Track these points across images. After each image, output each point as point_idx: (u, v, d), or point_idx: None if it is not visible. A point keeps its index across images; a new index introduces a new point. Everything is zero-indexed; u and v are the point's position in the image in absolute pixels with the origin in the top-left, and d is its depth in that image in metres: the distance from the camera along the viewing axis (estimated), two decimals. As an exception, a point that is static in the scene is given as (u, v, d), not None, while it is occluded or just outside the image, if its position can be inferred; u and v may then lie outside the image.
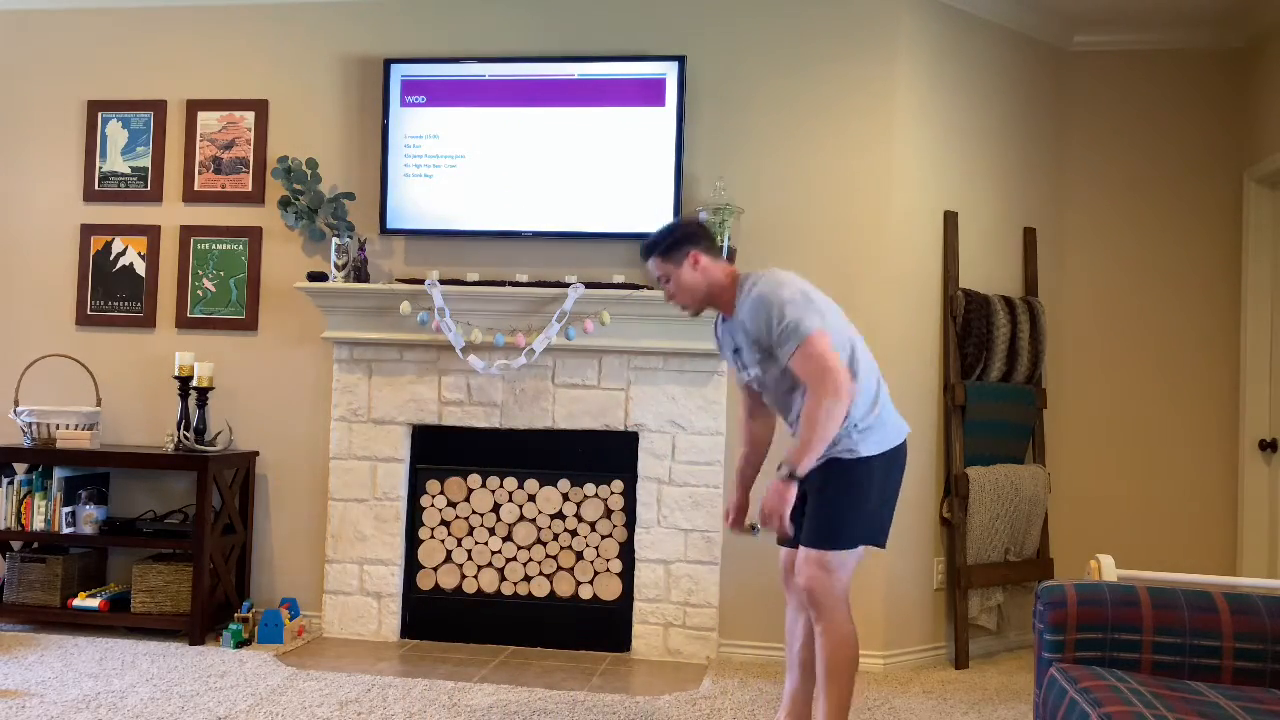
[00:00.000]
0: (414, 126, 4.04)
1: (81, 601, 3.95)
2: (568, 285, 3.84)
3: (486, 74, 4.00)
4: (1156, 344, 4.34)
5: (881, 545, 2.66)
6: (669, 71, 3.88)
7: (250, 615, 3.91)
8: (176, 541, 3.87)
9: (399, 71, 4.05)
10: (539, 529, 3.98)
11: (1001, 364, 4.03)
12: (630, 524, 3.93)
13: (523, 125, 3.98)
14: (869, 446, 2.57)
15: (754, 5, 3.97)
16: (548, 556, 3.97)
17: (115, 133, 4.36)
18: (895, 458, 2.63)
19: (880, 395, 2.63)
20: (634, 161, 3.90)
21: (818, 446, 2.46)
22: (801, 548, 2.61)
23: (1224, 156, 4.32)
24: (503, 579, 3.99)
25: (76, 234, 4.37)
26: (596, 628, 3.91)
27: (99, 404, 4.26)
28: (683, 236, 2.68)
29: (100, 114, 4.37)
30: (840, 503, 2.58)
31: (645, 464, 3.89)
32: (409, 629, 4.02)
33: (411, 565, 4.03)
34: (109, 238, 4.34)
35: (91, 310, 4.34)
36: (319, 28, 4.24)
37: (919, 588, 3.91)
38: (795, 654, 2.76)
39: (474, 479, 4.03)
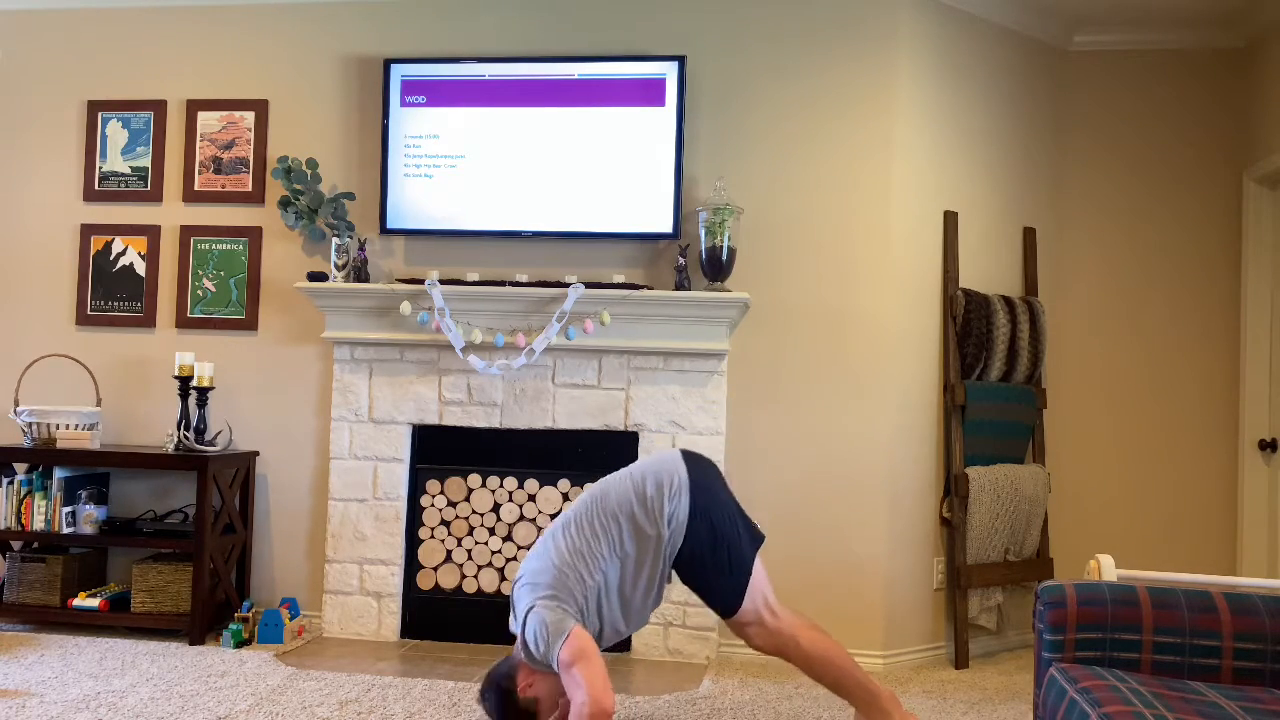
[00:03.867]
0: (414, 126, 4.04)
1: (81, 601, 3.95)
2: (568, 285, 3.84)
3: (486, 74, 4.00)
4: (1156, 344, 4.34)
5: (759, 540, 2.74)
6: (669, 71, 3.88)
7: (250, 615, 3.91)
8: (176, 541, 3.87)
9: (399, 71, 4.05)
10: (539, 529, 3.98)
11: (1001, 364, 4.03)
12: (630, 524, 3.93)
13: (523, 125, 3.98)
14: (682, 514, 2.62)
15: (754, 5, 3.97)
16: (548, 556, 3.97)
17: (115, 133, 4.37)
18: (695, 498, 2.65)
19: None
20: (634, 161, 3.90)
21: None
22: (725, 622, 2.74)
23: (1224, 156, 4.32)
24: (503, 579, 3.99)
25: (76, 234, 4.38)
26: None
27: (99, 404, 4.26)
28: (511, 713, 2.65)
29: (100, 114, 4.37)
30: (709, 577, 2.65)
31: (645, 464, 3.89)
32: (409, 629, 4.02)
33: (411, 565, 4.03)
34: (109, 238, 4.35)
35: (91, 310, 4.34)
36: (319, 28, 4.25)
37: (919, 587, 3.91)
38: (827, 684, 2.79)
39: (474, 479, 4.03)
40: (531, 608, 2.55)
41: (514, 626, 2.68)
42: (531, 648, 2.55)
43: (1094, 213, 4.41)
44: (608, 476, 2.78)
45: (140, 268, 4.32)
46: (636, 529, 2.63)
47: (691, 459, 2.73)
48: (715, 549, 2.64)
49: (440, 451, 4.05)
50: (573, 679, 2.42)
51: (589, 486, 2.77)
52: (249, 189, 4.26)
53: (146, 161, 4.35)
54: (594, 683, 2.39)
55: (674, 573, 2.79)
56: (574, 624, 2.51)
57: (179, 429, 4.03)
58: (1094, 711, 1.93)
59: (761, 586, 2.70)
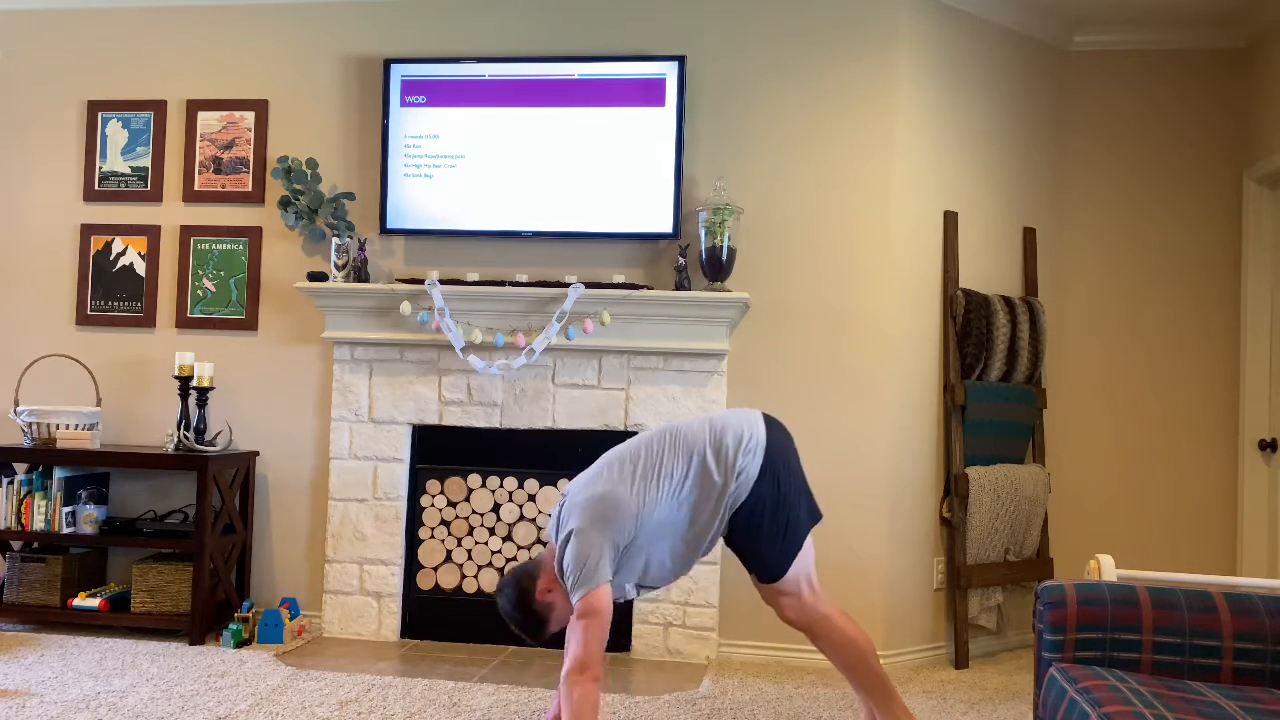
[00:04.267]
0: (414, 126, 4.04)
1: (81, 601, 3.95)
2: (568, 285, 3.84)
3: (486, 74, 4.00)
4: (1156, 344, 4.34)
5: (817, 517, 2.73)
6: (669, 71, 3.88)
7: (250, 615, 3.91)
8: (176, 541, 3.87)
9: (399, 71, 4.05)
10: (539, 529, 3.98)
11: (1001, 364, 4.03)
12: (630, 524, 3.93)
13: (523, 125, 3.98)
14: (752, 471, 2.61)
15: (754, 5, 3.97)
16: (548, 556, 3.97)
17: (115, 133, 4.37)
18: (771, 460, 2.64)
19: (718, 454, 2.64)
20: (634, 161, 3.90)
21: None
22: (760, 587, 2.72)
23: (1224, 156, 4.32)
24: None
25: (76, 234, 4.38)
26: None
27: (99, 404, 4.26)
28: (524, 612, 2.67)
29: (100, 114, 4.37)
30: (761, 539, 2.64)
31: (645, 464, 3.89)
32: (409, 629, 4.02)
33: (411, 565, 4.03)
34: (109, 238, 4.35)
35: (91, 310, 4.34)
36: (319, 28, 4.25)
37: (919, 587, 3.91)
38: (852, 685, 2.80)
39: (474, 479, 4.03)
40: (575, 531, 2.54)
41: (550, 533, 2.68)
42: (564, 569, 2.56)
43: (1094, 213, 4.41)
44: (679, 421, 2.75)
45: (140, 268, 4.32)
46: (704, 473, 2.61)
47: (771, 423, 2.72)
48: (775, 513, 2.62)
49: (440, 451, 4.05)
50: (575, 630, 2.48)
51: (663, 425, 2.74)
52: (249, 189, 4.26)
53: (146, 161, 4.35)
54: (591, 644, 2.45)
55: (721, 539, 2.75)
56: (606, 578, 2.51)
57: (179, 429, 4.03)
58: (1094, 711, 1.93)
59: (808, 563, 2.69)
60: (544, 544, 3.99)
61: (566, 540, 2.57)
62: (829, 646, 2.71)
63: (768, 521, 2.62)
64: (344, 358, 4.07)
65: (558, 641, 3.92)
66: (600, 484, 2.62)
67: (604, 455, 2.74)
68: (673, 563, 2.67)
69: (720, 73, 3.98)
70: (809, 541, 2.70)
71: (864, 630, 2.75)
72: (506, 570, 3.98)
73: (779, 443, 2.68)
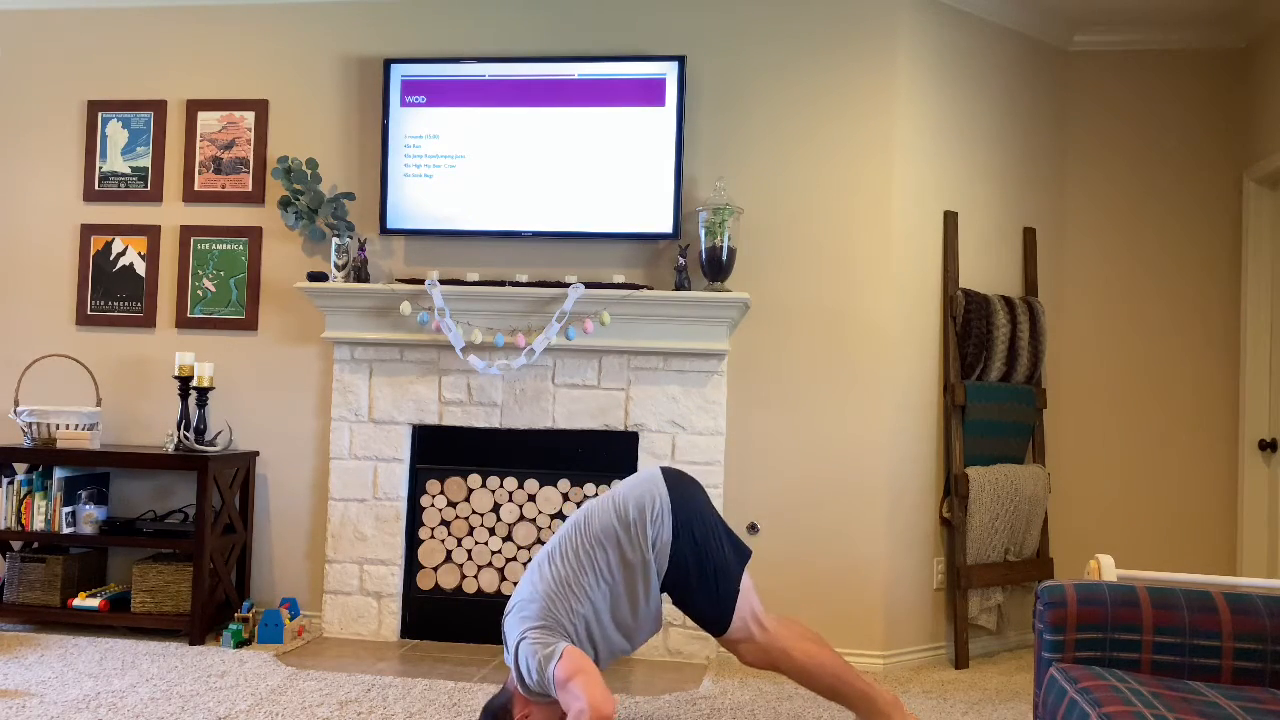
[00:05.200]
0: (414, 126, 4.04)
1: (81, 601, 3.95)
2: (568, 285, 3.84)
3: (486, 74, 4.00)
4: (1156, 344, 4.34)
5: (745, 556, 2.73)
6: (669, 71, 3.88)
7: (250, 615, 3.91)
8: (176, 541, 3.87)
9: (399, 71, 4.05)
10: (539, 529, 3.99)
11: (1001, 364, 4.03)
12: (630, 524, 3.93)
13: (523, 125, 3.98)
14: (665, 536, 2.61)
15: (754, 5, 3.97)
16: (548, 556, 3.97)
17: (115, 133, 4.37)
18: (681, 519, 2.63)
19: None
20: (634, 161, 3.90)
21: None
22: (717, 640, 2.73)
23: (1224, 156, 4.32)
24: (503, 579, 3.99)
25: (76, 234, 4.38)
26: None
27: (99, 404, 4.26)
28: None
29: (100, 114, 4.37)
30: (695, 595, 2.64)
31: (645, 464, 3.89)
32: (409, 629, 4.02)
33: (411, 565, 4.03)
34: (109, 238, 4.35)
35: (91, 310, 4.34)
36: (319, 28, 4.25)
37: (919, 588, 3.91)
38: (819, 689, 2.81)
39: (474, 479, 4.03)
40: (522, 639, 2.54)
41: (507, 659, 2.64)
42: (525, 677, 2.51)
43: (1094, 213, 4.41)
44: (590, 501, 2.77)
45: (140, 268, 4.32)
46: (621, 554, 2.62)
47: (673, 478, 2.71)
48: (702, 569, 2.63)
49: (440, 451, 4.05)
50: (570, 693, 2.39)
51: (572, 513, 2.76)
52: (249, 189, 4.26)
53: (146, 161, 4.35)
54: (592, 691, 2.35)
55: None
56: (565, 644, 2.48)
57: (179, 429, 4.03)
58: (1094, 711, 1.93)
59: (750, 602, 2.69)
60: (543, 544, 3.99)
61: (516, 654, 2.53)
62: (798, 675, 2.72)
63: (695, 577, 2.63)
64: (344, 358, 4.07)
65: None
66: (525, 589, 2.64)
67: (530, 562, 2.72)
68: (619, 643, 2.68)
69: (720, 73, 3.98)
70: (747, 582, 2.70)
71: (829, 649, 2.74)
72: (507, 568, 3.99)
73: (683, 498, 2.67)
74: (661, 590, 2.66)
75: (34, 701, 3.11)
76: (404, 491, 4.02)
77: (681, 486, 2.70)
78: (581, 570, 2.61)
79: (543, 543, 3.98)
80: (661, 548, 2.61)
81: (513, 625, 2.61)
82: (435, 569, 4.02)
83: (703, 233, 3.80)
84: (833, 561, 3.82)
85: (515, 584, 3.98)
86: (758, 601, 2.72)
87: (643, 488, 2.68)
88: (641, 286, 3.84)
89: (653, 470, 2.74)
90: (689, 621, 3.83)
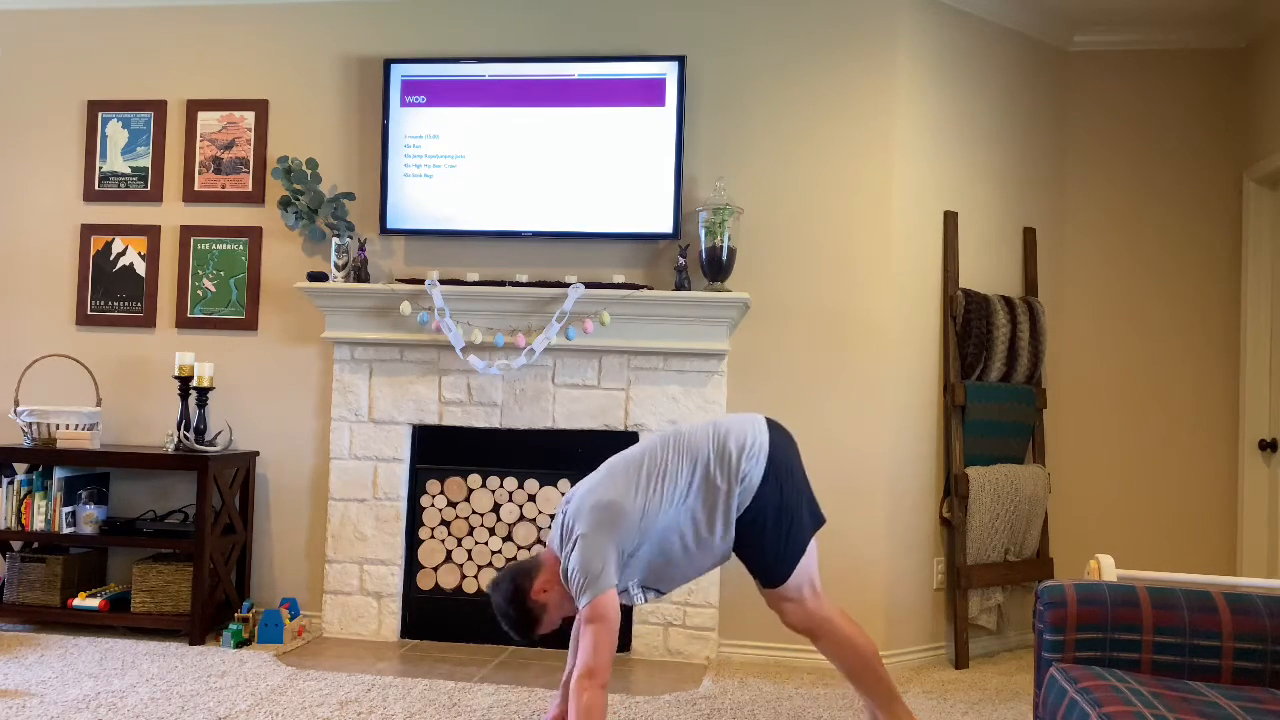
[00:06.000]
0: (414, 126, 4.04)
1: (81, 601, 3.95)
2: (568, 285, 3.84)
3: (486, 74, 4.00)
4: (1156, 344, 4.34)
5: (820, 522, 2.73)
6: (669, 71, 3.88)
7: (250, 615, 3.91)
8: (176, 541, 3.87)
9: (399, 71, 4.05)
10: (539, 529, 3.99)
11: (1001, 364, 4.03)
12: (630, 524, 3.93)
13: (523, 125, 3.98)
14: (755, 477, 2.62)
15: (754, 5, 3.97)
16: (548, 556, 3.97)
17: (115, 133, 4.37)
18: (774, 465, 2.64)
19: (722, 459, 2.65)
20: (634, 161, 3.90)
21: None
22: (764, 591, 2.72)
23: (1224, 156, 4.32)
24: (503, 579, 3.99)
25: (76, 234, 4.38)
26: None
27: (99, 404, 4.26)
28: (517, 608, 2.68)
29: (100, 114, 4.37)
30: (765, 544, 2.64)
31: (645, 464, 3.89)
32: (409, 629, 4.02)
33: (411, 565, 4.03)
34: (109, 238, 4.35)
35: (91, 310, 4.34)
36: (319, 28, 4.25)
37: (919, 588, 3.91)
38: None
39: (474, 479, 4.03)
40: (582, 537, 2.54)
41: (553, 541, 2.67)
42: (569, 575, 2.56)
43: (1094, 213, 4.41)
44: (684, 425, 2.75)
45: (140, 268, 4.32)
46: (708, 479, 2.62)
47: (775, 427, 2.72)
48: (779, 519, 2.63)
49: (440, 451, 4.05)
50: (584, 636, 2.48)
51: (666, 431, 2.74)
52: (249, 189, 4.26)
53: (146, 161, 4.35)
54: (599, 650, 2.45)
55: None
56: (611, 584, 2.51)
57: (179, 429, 4.03)
58: (1094, 711, 1.93)
59: (811, 567, 2.69)
60: (543, 544, 3.99)
61: (573, 546, 2.57)
62: (832, 649, 2.71)
63: (771, 526, 2.63)
64: (344, 358, 4.07)
65: (557, 641, 3.92)
66: (604, 490, 2.62)
67: (609, 460, 2.73)
68: (681, 567, 2.68)
69: (720, 73, 3.98)
70: (812, 545, 2.70)
71: (866, 633, 2.76)
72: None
73: (782, 448, 2.68)
74: (737, 528, 2.65)
75: (34, 701, 3.11)
76: (404, 491, 4.02)
77: (781, 436, 2.70)
78: (667, 481, 2.62)
79: (543, 543, 3.98)
80: (749, 486, 2.61)
81: (581, 515, 2.59)
82: (435, 569, 4.02)
83: (703, 233, 3.80)
84: (833, 561, 3.82)
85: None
86: (817, 571, 2.72)
87: (745, 426, 2.69)
88: (641, 286, 3.84)
89: (757, 415, 2.75)
90: (689, 621, 3.83)
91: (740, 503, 2.62)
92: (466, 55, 4.12)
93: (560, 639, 3.94)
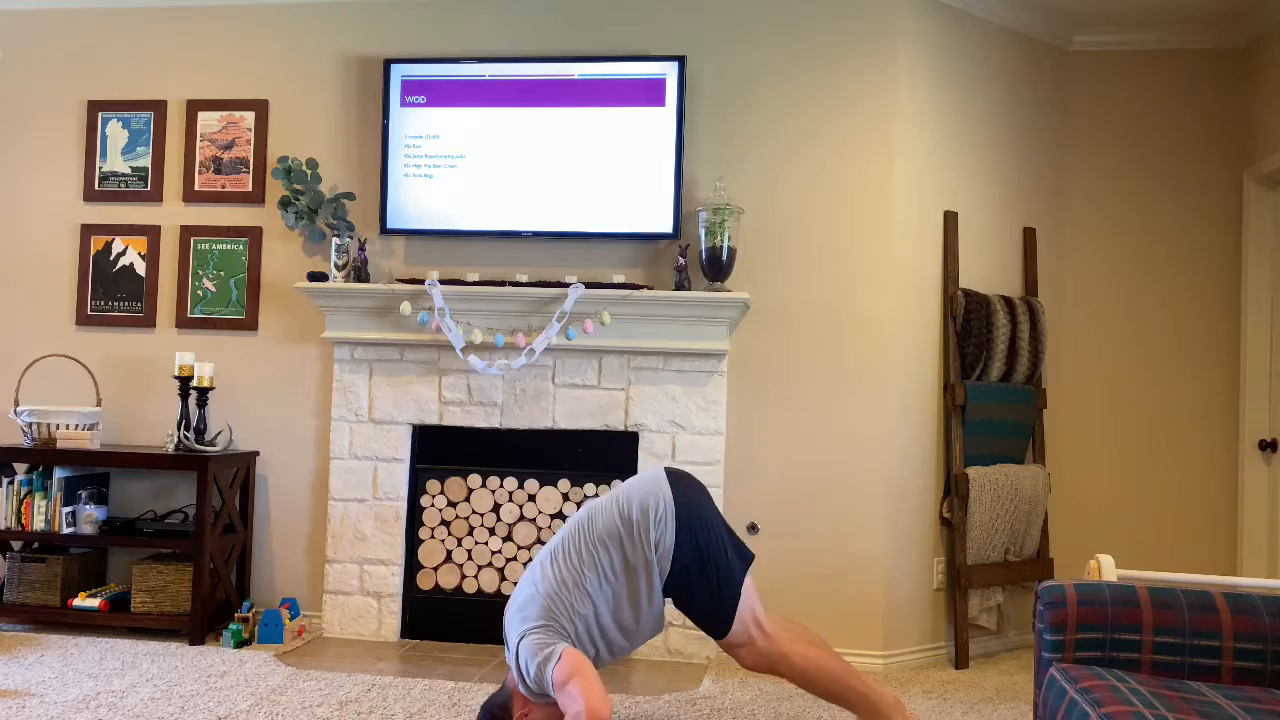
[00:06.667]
0: (414, 126, 4.04)
1: (81, 601, 3.95)
2: (568, 285, 3.84)
3: (486, 74, 4.00)
4: (1156, 344, 4.34)
5: (748, 560, 2.72)
6: (669, 71, 3.88)
7: (250, 615, 3.91)
8: (176, 541, 3.87)
9: (399, 71, 4.05)
10: (539, 529, 3.99)
11: (1001, 364, 4.03)
12: (630, 524, 3.93)
13: (523, 125, 3.98)
14: (669, 539, 2.61)
15: (754, 5, 3.97)
16: (548, 556, 3.97)
17: (115, 133, 4.37)
18: (684, 521, 2.63)
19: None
20: (634, 161, 3.90)
21: None
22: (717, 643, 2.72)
23: (1224, 156, 4.32)
24: (503, 579, 3.99)
25: (76, 234, 4.38)
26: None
27: (99, 404, 4.26)
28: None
29: (100, 114, 4.37)
30: (696, 599, 2.64)
31: (645, 464, 3.89)
32: (409, 629, 4.02)
33: (411, 565, 4.03)
34: (109, 238, 4.35)
35: (91, 310, 4.34)
36: (319, 28, 4.25)
37: (919, 588, 3.91)
38: None
39: (474, 479, 4.03)
40: (522, 637, 2.53)
41: (508, 657, 2.64)
42: (525, 677, 2.51)
43: (1094, 213, 4.41)
44: (593, 501, 2.76)
45: (140, 268, 4.32)
46: (624, 555, 2.61)
47: (676, 479, 2.70)
48: (704, 572, 2.62)
49: (440, 451, 4.05)
50: (568, 695, 2.38)
51: (574, 513, 2.75)
52: (249, 189, 4.26)
53: (146, 161, 4.35)
54: (590, 694, 2.35)
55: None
56: (565, 645, 2.48)
57: (179, 429, 4.03)
58: (1094, 711, 1.93)
59: (752, 605, 2.68)
60: (543, 544, 3.99)
61: (517, 651, 2.53)
62: (798, 681, 2.72)
63: (697, 581, 2.62)
64: (344, 358, 4.07)
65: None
66: (527, 589, 2.64)
67: (532, 561, 2.73)
68: (620, 644, 2.67)
69: (720, 73, 3.98)
70: (749, 584, 2.69)
71: (830, 651, 2.74)
72: (507, 568, 3.99)
73: (687, 500, 2.66)
74: (665, 592, 2.66)
75: (34, 701, 3.11)
76: (404, 491, 4.02)
77: (685, 488, 2.69)
78: (584, 571, 2.60)
79: (543, 543, 3.98)
80: (665, 550, 2.60)
81: (513, 624, 2.61)
82: (435, 569, 4.02)
83: (703, 233, 3.80)
84: (833, 561, 3.82)
85: (515, 584, 3.98)
86: (759, 605, 2.71)
87: (646, 488, 2.67)
88: (641, 286, 3.84)
89: (656, 471, 2.73)
90: (689, 621, 3.83)
91: (661, 569, 2.62)
92: (466, 55, 4.12)
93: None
